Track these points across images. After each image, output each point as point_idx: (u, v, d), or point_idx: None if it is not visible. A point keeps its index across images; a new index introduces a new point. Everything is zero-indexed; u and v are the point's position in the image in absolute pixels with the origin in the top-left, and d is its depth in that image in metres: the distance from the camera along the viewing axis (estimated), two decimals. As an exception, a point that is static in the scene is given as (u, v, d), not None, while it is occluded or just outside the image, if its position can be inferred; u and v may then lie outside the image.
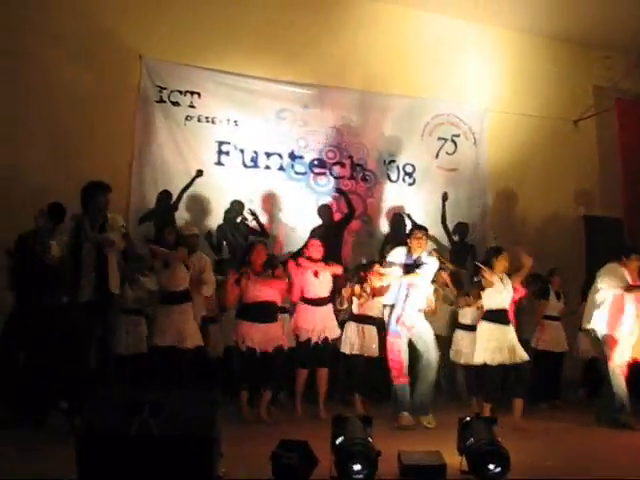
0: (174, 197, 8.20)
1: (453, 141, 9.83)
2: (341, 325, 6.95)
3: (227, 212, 8.35)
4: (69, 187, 6.84)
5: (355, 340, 6.85)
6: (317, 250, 6.77)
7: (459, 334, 7.32)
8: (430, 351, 6.33)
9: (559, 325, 8.13)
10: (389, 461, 3.70)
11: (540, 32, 10.34)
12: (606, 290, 6.65)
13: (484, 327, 6.45)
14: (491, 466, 3.70)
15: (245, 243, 8.13)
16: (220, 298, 6.87)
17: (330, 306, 6.84)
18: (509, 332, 6.41)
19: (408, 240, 6.55)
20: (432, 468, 3.68)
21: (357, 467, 3.57)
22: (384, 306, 6.58)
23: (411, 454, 3.82)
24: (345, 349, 6.85)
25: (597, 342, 6.69)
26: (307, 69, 9.05)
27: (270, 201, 8.74)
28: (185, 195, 8.25)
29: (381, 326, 6.84)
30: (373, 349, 6.89)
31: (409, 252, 6.44)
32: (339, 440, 3.71)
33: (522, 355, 6.33)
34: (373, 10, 9.50)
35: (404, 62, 9.58)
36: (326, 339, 6.66)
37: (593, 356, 7.76)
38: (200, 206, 8.38)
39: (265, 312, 6.28)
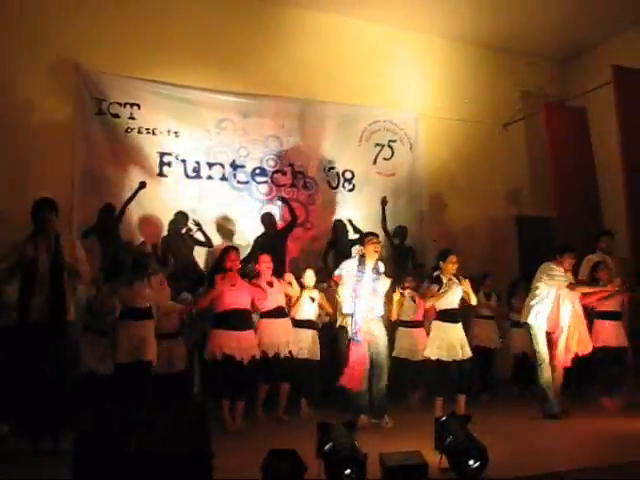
0: (117, 210, 8.11)
1: (390, 147, 10.06)
2: None
3: (171, 224, 8.26)
4: (12, 201, 6.85)
5: (300, 345, 7.04)
6: (268, 265, 6.83)
7: (401, 331, 7.62)
8: (382, 355, 6.51)
9: (491, 323, 8.55)
10: (370, 464, 3.81)
11: (470, 39, 10.69)
12: (545, 288, 6.96)
13: (437, 326, 6.74)
14: (471, 462, 3.88)
15: (191, 256, 8.17)
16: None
17: (289, 318, 6.94)
18: (459, 330, 6.73)
19: (362, 247, 6.60)
20: (415, 468, 3.82)
21: (348, 471, 3.69)
22: (343, 315, 6.65)
23: (392, 455, 3.94)
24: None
25: (531, 337, 6.96)
26: (246, 79, 9.09)
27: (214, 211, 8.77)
28: (128, 208, 8.17)
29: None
30: (316, 353, 7.11)
31: (361, 261, 6.54)
32: (327, 446, 3.82)
33: (468, 352, 6.68)
34: (309, 19, 9.67)
35: (340, 70, 9.74)
36: (291, 354, 6.76)
37: (523, 351, 8.26)
38: (144, 218, 8.32)
39: (241, 319, 6.28)
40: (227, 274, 6.34)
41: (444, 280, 6.73)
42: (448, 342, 6.60)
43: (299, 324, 7.11)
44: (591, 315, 7.31)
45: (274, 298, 6.79)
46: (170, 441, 3.29)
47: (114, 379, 6.21)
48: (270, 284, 6.78)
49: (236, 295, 6.30)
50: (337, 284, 6.68)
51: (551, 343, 6.86)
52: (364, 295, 6.37)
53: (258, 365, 6.44)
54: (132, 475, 3.19)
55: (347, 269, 6.54)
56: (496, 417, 6.36)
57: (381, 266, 6.56)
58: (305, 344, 7.07)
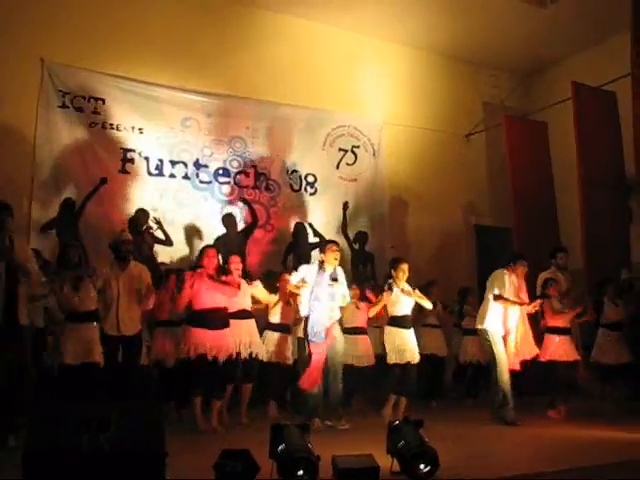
0: (77, 205, 8.04)
1: (353, 152, 10.16)
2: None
3: (131, 221, 8.15)
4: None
5: (271, 348, 7.10)
6: (237, 266, 6.78)
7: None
8: (339, 358, 6.59)
9: (438, 331, 8.60)
10: (322, 465, 3.85)
11: (434, 50, 10.86)
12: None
13: (389, 331, 6.99)
14: (422, 466, 3.95)
15: (151, 253, 8.12)
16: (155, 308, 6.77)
17: (254, 320, 6.95)
18: (409, 335, 6.97)
19: (322, 254, 6.65)
20: (366, 470, 3.85)
21: (300, 472, 3.72)
22: (297, 317, 6.75)
23: (344, 458, 3.96)
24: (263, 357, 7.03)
25: (486, 342, 7.06)
26: (212, 79, 9.11)
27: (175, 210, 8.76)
28: (88, 203, 8.10)
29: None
30: (288, 357, 7.16)
31: (321, 266, 6.58)
32: (280, 447, 3.85)
33: (415, 357, 6.93)
34: (279, 23, 9.71)
35: (307, 74, 9.82)
36: (251, 354, 6.74)
37: (477, 360, 8.46)
38: (104, 214, 8.26)
39: (217, 318, 6.20)
40: (199, 272, 6.25)
41: (395, 288, 6.91)
42: (397, 345, 6.85)
43: (273, 327, 7.22)
44: (542, 330, 7.47)
45: (239, 300, 6.75)
46: (123, 439, 3.27)
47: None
48: (237, 286, 6.73)
49: (211, 294, 6.22)
50: (296, 288, 6.70)
51: (504, 345, 6.98)
52: (322, 299, 6.43)
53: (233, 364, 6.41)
54: (84, 473, 3.18)
55: (305, 274, 6.59)
56: (446, 423, 6.41)
57: (340, 272, 6.61)
58: (276, 347, 7.14)
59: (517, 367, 7.00)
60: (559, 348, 7.35)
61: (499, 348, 6.93)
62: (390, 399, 6.98)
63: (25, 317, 5.36)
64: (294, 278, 6.68)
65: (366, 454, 4.04)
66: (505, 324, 6.98)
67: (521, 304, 6.97)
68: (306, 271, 6.61)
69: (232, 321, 6.50)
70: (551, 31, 10.00)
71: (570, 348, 7.40)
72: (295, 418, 5.89)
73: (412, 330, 7.04)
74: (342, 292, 6.59)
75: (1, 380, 5.10)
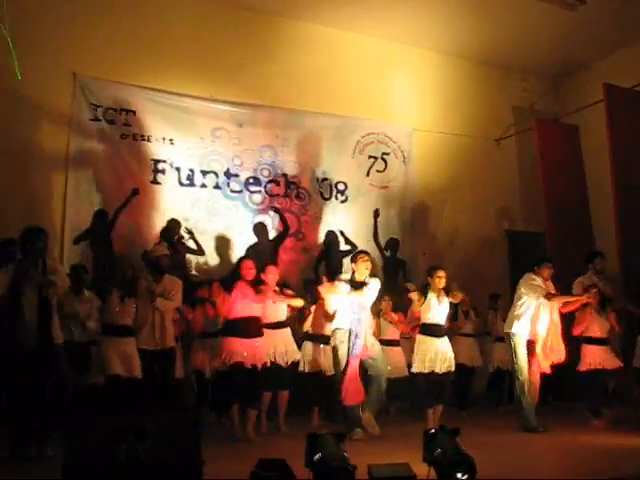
0: (110, 216, 8.12)
1: (383, 159, 10.13)
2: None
3: (164, 231, 8.19)
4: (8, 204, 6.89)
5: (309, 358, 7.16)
6: (274, 277, 6.76)
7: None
8: (378, 367, 6.59)
9: (472, 341, 8.50)
10: (358, 475, 3.81)
11: (463, 55, 10.79)
12: (526, 298, 7.05)
13: (421, 340, 6.86)
14: (459, 474, 3.89)
15: (183, 261, 8.17)
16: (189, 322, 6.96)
17: (289, 329, 6.94)
18: (443, 344, 6.84)
19: (353, 264, 6.70)
20: (403, 479, 3.85)
21: (336, 482, 3.71)
22: (335, 330, 6.71)
23: (380, 467, 3.93)
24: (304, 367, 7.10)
25: (512, 347, 7.02)
26: (242, 89, 9.15)
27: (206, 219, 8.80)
28: (120, 214, 8.17)
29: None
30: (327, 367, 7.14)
31: (352, 277, 6.62)
32: (317, 456, 3.83)
33: (451, 366, 6.81)
34: (306, 32, 9.74)
35: (335, 82, 9.81)
36: (287, 362, 6.73)
37: (499, 366, 8.45)
38: (135, 225, 8.33)
39: (252, 327, 6.29)
40: (240, 282, 6.34)
41: (430, 295, 6.85)
42: (431, 355, 6.72)
43: (311, 338, 7.29)
44: (579, 341, 7.37)
45: (276, 310, 6.79)
46: (160, 449, 3.28)
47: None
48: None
49: (247, 304, 6.29)
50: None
51: (531, 352, 6.93)
52: (356, 311, 6.46)
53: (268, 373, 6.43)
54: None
55: (342, 287, 6.63)
56: (480, 431, 6.34)
57: (374, 283, 6.62)
58: (314, 357, 7.19)
59: (547, 371, 6.98)
60: (596, 357, 7.26)
61: (520, 354, 6.91)
62: (426, 413, 6.76)
63: (60, 336, 5.50)
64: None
65: (402, 463, 4.00)
66: (534, 328, 6.94)
67: (577, 299, 7.01)
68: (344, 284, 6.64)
69: (267, 331, 6.53)
70: (580, 33, 9.87)
71: (610, 356, 7.30)
72: (337, 427, 5.89)
73: (445, 339, 6.90)
74: (371, 300, 6.64)
75: (34, 399, 5.20)
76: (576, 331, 7.36)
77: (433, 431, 4.28)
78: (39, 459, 5.10)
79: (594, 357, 7.25)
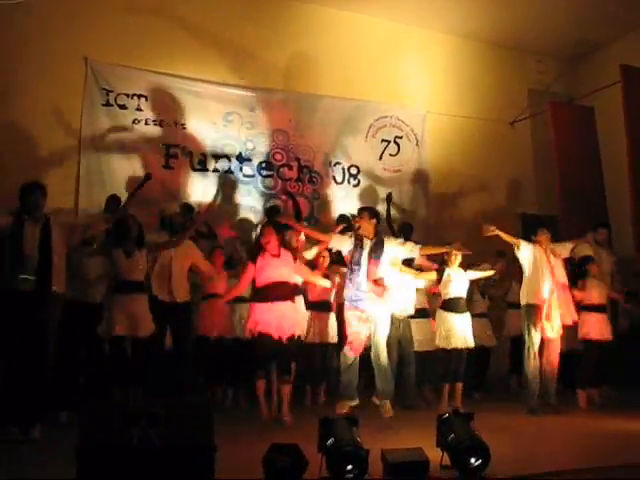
0: (122, 201, 8.10)
1: (396, 143, 10.07)
2: None
3: (176, 216, 8.22)
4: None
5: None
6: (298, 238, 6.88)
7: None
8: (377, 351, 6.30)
9: (485, 321, 8.37)
10: (371, 459, 3.81)
11: (478, 37, 10.69)
12: (525, 264, 7.09)
13: (441, 315, 6.97)
14: (472, 460, 3.88)
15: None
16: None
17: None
18: (461, 319, 6.91)
19: (358, 218, 6.48)
20: (416, 464, 3.81)
21: (349, 467, 3.68)
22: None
23: (393, 452, 3.93)
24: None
25: (524, 317, 7.00)
26: (254, 72, 9.15)
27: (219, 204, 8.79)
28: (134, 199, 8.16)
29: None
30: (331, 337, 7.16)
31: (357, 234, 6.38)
32: (329, 441, 3.82)
33: (467, 342, 6.87)
34: (319, 15, 9.68)
35: (348, 65, 9.75)
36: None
37: (514, 335, 8.26)
38: (149, 210, 8.31)
39: (280, 292, 6.02)
40: (264, 250, 6.18)
41: (447, 270, 6.97)
42: (445, 330, 6.84)
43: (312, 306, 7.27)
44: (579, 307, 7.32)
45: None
46: (173, 434, 3.30)
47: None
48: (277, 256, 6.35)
49: (276, 267, 6.09)
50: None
51: (538, 317, 6.83)
52: (363, 268, 6.17)
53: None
54: (135, 468, 3.21)
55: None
56: (493, 415, 6.30)
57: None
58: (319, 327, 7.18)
59: (554, 335, 6.83)
60: (594, 327, 7.27)
61: (530, 330, 6.82)
62: (443, 389, 6.88)
63: (62, 286, 5.41)
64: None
65: (415, 447, 3.99)
66: (539, 295, 6.86)
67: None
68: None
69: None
70: (596, 14, 9.75)
71: (605, 328, 7.30)
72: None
73: (466, 314, 6.94)
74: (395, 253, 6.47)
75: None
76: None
77: (447, 416, 4.27)
78: (24, 442, 4.89)
79: (589, 327, 7.29)
